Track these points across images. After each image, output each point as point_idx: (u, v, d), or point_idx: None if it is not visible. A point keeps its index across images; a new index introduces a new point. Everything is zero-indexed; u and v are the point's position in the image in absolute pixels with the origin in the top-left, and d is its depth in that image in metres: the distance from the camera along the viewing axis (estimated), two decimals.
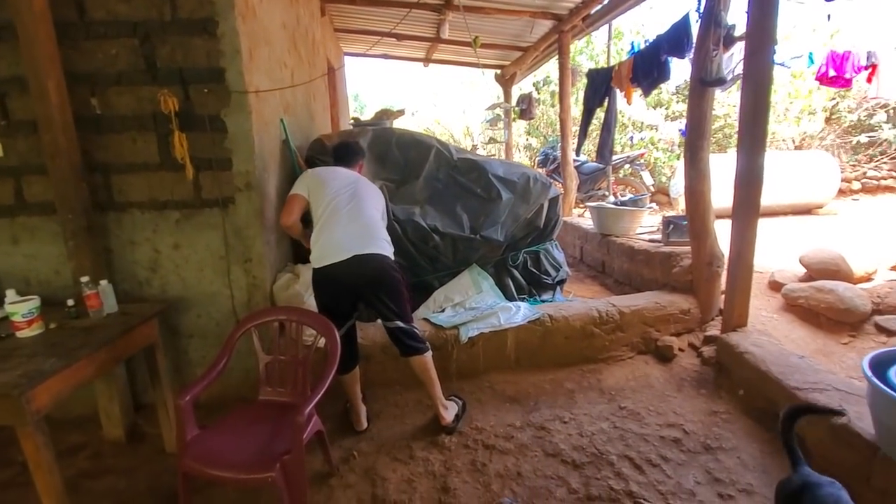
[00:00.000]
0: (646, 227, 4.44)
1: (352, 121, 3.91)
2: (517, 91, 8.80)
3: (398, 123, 4.00)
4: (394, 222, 3.06)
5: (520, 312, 2.94)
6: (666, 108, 8.98)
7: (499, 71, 8.24)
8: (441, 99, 14.53)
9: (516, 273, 3.37)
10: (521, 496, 1.95)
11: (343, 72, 7.22)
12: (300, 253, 3.14)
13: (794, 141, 8.66)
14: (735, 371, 2.56)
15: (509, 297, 3.27)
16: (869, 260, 3.27)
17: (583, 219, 5.74)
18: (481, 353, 2.88)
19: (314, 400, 1.70)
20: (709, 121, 2.79)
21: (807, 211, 6.95)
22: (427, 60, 8.07)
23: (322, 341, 1.97)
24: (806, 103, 8.40)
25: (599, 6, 4.49)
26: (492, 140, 9.64)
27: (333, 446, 2.26)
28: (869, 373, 1.63)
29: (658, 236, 3.88)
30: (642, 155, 7.47)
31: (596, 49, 9.61)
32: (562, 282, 3.60)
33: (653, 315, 3.04)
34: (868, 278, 3.22)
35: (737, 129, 2.55)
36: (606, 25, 5.30)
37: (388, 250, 2.27)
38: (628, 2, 4.11)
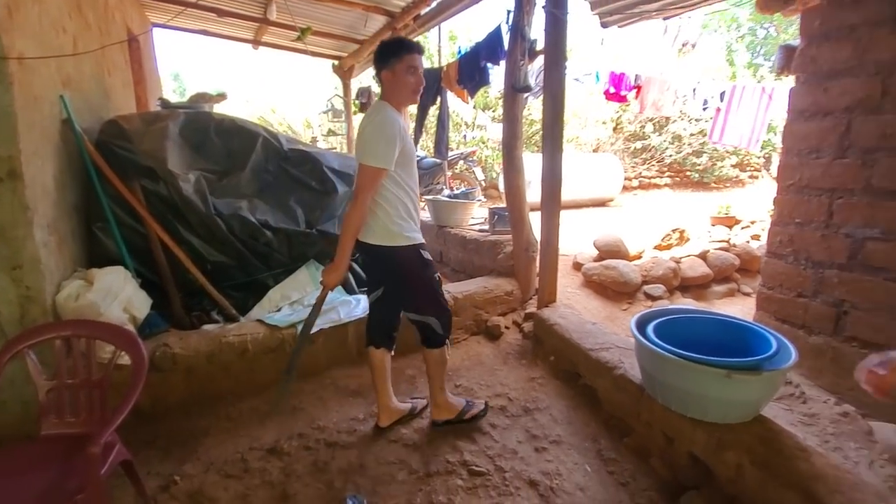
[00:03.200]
0: (477, 218, 4.84)
1: (159, 101, 3.40)
2: (357, 84, 8.71)
3: (221, 109, 3.61)
4: (216, 218, 2.78)
5: (360, 305, 2.95)
6: (493, 111, 9.88)
7: (336, 62, 8.04)
8: (279, 87, 13.60)
9: (356, 266, 3.37)
10: (363, 487, 1.97)
11: (150, 45, 6.22)
12: (97, 253, 2.64)
13: (591, 145, 10.36)
14: (547, 341, 2.97)
15: (350, 291, 3.25)
16: (639, 242, 4.12)
17: (423, 212, 6.00)
18: (322, 349, 2.82)
19: (112, 426, 1.46)
20: (521, 123, 3.17)
21: (602, 203, 8.41)
22: (256, 42, 7.44)
23: (125, 358, 1.70)
24: (599, 115, 10.13)
25: (428, 8, 4.70)
26: (332, 132, 9.37)
27: (150, 475, 1.99)
28: (635, 330, 2.05)
29: (486, 227, 4.27)
30: (474, 152, 8.10)
31: (432, 49, 10.07)
32: None
33: (482, 298, 3.35)
34: (639, 256, 4.06)
35: None
36: (438, 27, 5.57)
37: None
38: (455, 6, 4.39)
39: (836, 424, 2.22)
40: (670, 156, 10.21)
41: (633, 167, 10.49)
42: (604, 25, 2.74)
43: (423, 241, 2.14)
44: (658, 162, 10.47)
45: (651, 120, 9.93)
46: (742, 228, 4.78)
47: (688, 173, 10.38)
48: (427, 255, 2.14)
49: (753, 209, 5.38)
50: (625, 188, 9.76)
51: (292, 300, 3.02)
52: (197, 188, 2.81)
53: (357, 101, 8.06)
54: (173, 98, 5.04)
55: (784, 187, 2.69)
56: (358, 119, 10.20)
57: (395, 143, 1.90)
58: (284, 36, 6.96)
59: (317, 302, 2.19)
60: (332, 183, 3.25)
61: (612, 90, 5.36)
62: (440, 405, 2.35)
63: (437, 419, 2.35)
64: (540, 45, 2.91)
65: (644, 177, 10.47)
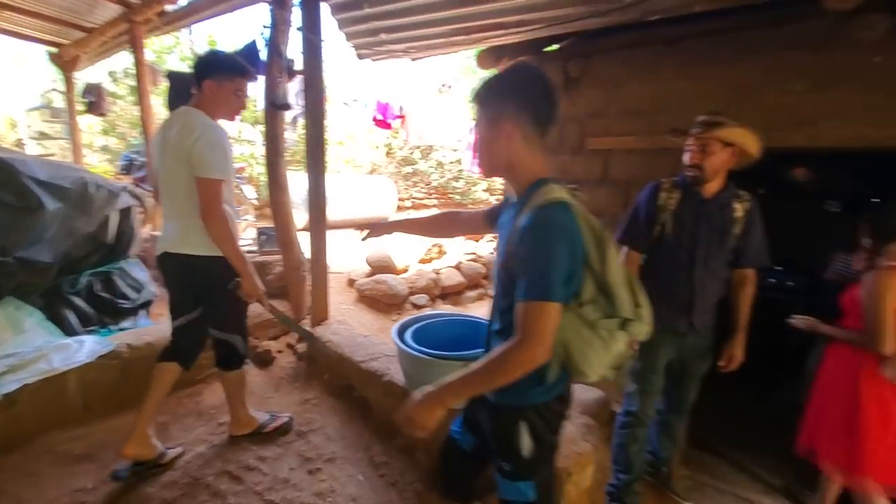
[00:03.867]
0: (246, 238, 4.50)
1: None
2: (84, 78, 7.07)
3: None
4: None
5: (83, 348, 2.39)
6: (263, 126, 9.39)
7: (56, 50, 6.38)
8: None
9: (78, 301, 2.72)
10: None
11: None
12: None
13: (367, 168, 10.87)
14: (321, 359, 2.96)
15: (69, 333, 2.60)
16: (407, 257, 4.51)
17: None
18: (28, 410, 2.18)
19: None
20: (283, 140, 3.12)
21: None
22: None
23: None
24: (374, 139, 10.74)
25: (175, 7, 4.21)
26: (44, 135, 7.37)
27: None
28: (395, 337, 2.22)
29: (255, 247, 4.01)
30: (242, 169, 7.53)
31: (187, 52, 8.98)
32: (147, 304, 3.16)
33: (251, 323, 3.11)
34: (406, 270, 4.44)
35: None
36: (189, 28, 5.02)
37: None
38: (208, 10, 4.04)
39: None
40: (436, 180, 11.50)
41: (406, 189, 11.42)
42: (360, 57, 2.94)
43: None
44: (426, 185, 11.66)
45: (418, 147, 11.02)
46: (487, 242, 5.74)
47: (451, 195, 11.86)
48: None
49: None
50: (400, 208, 10.53)
51: None
52: None
53: (85, 99, 6.55)
54: None
55: None
56: (85, 120, 8.29)
57: (229, 153, 1.94)
58: None
59: (279, 316, 2.26)
60: (37, 198, 2.57)
61: (379, 117, 5.76)
62: (240, 420, 2.31)
63: (234, 433, 2.31)
64: (299, 66, 2.94)
65: (415, 198, 11.50)
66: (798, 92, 2.12)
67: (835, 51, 2.02)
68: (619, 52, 2.62)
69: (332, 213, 6.83)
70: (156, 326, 2.88)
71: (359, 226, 2.07)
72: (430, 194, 11.79)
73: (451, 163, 11.26)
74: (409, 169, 11.27)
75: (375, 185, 8.67)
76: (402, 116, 5.92)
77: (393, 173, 11.14)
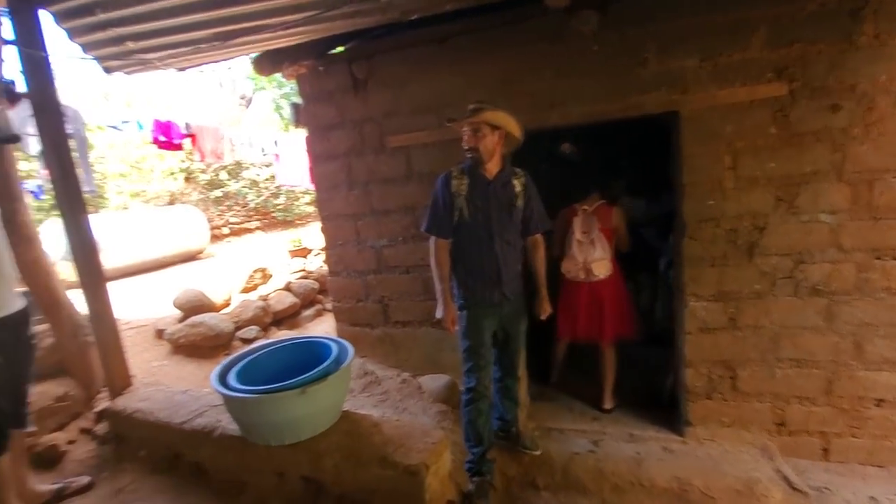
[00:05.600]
0: None
1: None
2: None
3: None
4: None
5: None
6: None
7: None
8: None
9: None
10: None
11: None
12: None
13: (164, 199, 9.44)
14: (132, 435, 2.46)
15: None
16: (225, 289, 4.04)
17: None
18: None
19: None
20: (15, 180, 2.45)
21: (192, 257, 7.79)
22: None
23: None
24: (168, 165, 9.35)
25: None
26: None
27: None
28: (215, 384, 1.95)
29: None
30: None
31: None
32: None
33: None
34: (227, 303, 3.98)
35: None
36: None
37: None
38: None
39: (401, 391, 2.86)
40: (252, 200, 10.60)
41: (220, 215, 10.29)
42: (107, 70, 2.46)
43: None
44: (243, 207, 10.68)
45: (224, 168, 9.99)
46: (315, 255, 5.50)
47: (273, 214, 11.08)
48: None
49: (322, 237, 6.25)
50: (215, 237, 9.43)
51: None
52: None
53: None
54: None
55: (324, 217, 3.22)
56: None
57: None
58: None
59: None
60: None
61: (161, 138, 4.99)
62: None
63: None
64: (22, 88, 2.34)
65: (233, 223, 10.45)
66: (548, 78, 2.48)
67: (568, 42, 2.40)
68: (400, 51, 2.72)
69: (125, 256, 5.80)
70: None
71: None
72: (250, 216, 10.85)
73: (266, 179, 10.51)
74: (218, 193, 10.15)
75: (177, 217, 7.58)
76: (191, 135, 5.23)
77: (201, 200, 9.91)
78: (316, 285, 4.44)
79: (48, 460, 2.43)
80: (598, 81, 2.38)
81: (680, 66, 2.24)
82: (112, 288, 2.86)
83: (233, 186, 10.28)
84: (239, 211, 10.66)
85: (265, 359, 2.20)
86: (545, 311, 2.28)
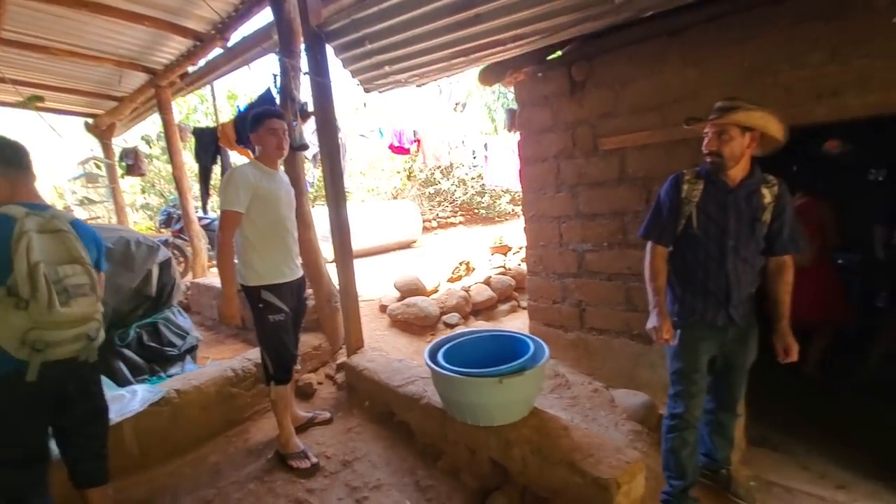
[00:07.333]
0: None
1: None
2: (122, 143, 7.60)
3: None
4: None
5: (136, 398, 2.51)
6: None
7: (91, 120, 6.90)
8: None
9: (128, 353, 2.87)
10: None
11: None
12: None
13: (390, 194, 11.07)
14: (360, 387, 2.99)
15: (122, 383, 2.74)
16: (435, 277, 4.53)
17: (217, 278, 5.46)
18: None
19: None
20: (303, 178, 3.24)
21: (407, 246, 8.97)
22: None
23: None
24: (394, 165, 10.96)
25: (196, 67, 4.48)
26: (88, 200, 7.91)
27: None
28: (427, 360, 2.23)
29: None
30: None
31: (212, 108, 9.48)
32: (192, 349, 3.30)
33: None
34: (436, 290, 4.45)
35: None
36: (210, 86, 5.32)
37: None
38: (223, 67, 4.29)
39: (591, 400, 2.78)
40: (459, 197, 11.57)
41: (431, 209, 11.54)
42: (366, 90, 3.03)
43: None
44: (450, 203, 11.75)
45: (438, 168, 11.16)
46: (513, 254, 5.69)
47: (476, 211, 11.90)
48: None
49: (523, 237, 6.45)
50: (426, 229, 10.63)
51: None
52: None
53: (123, 163, 7.02)
54: None
55: (528, 218, 3.33)
56: (126, 182, 8.86)
57: (240, 189, 2.20)
58: (13, 92, 5.73)
59: None
60: None
61: (395, 143, 5.89)
62: (279, 439, 2.54)
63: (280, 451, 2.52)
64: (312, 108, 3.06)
65: (441, 217, 11.60)
66: (815, 64, 2.05)
67: (850, 17, 1.94)
68: (623, 49, 2.61)
69: (359, 242, 7.02)
70: (203, 370, 2.99)
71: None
72: (456, 212, 11.87)
73: (472, 178, 11.33)
74: (431, 190, 11.41)
75: (399, 210, 8.81)
76: (417, 140, 6.04)
77: (416, 196, 11.30)
78: (513, 282, 4.62)
79: (306, 394, 3.15)
80: None
81: None
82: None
83: (444, 185, 11.41)
84: (447, 206, 11.77)
85: (468, 345, 2.40)
86: (791, 348, 1.84)
